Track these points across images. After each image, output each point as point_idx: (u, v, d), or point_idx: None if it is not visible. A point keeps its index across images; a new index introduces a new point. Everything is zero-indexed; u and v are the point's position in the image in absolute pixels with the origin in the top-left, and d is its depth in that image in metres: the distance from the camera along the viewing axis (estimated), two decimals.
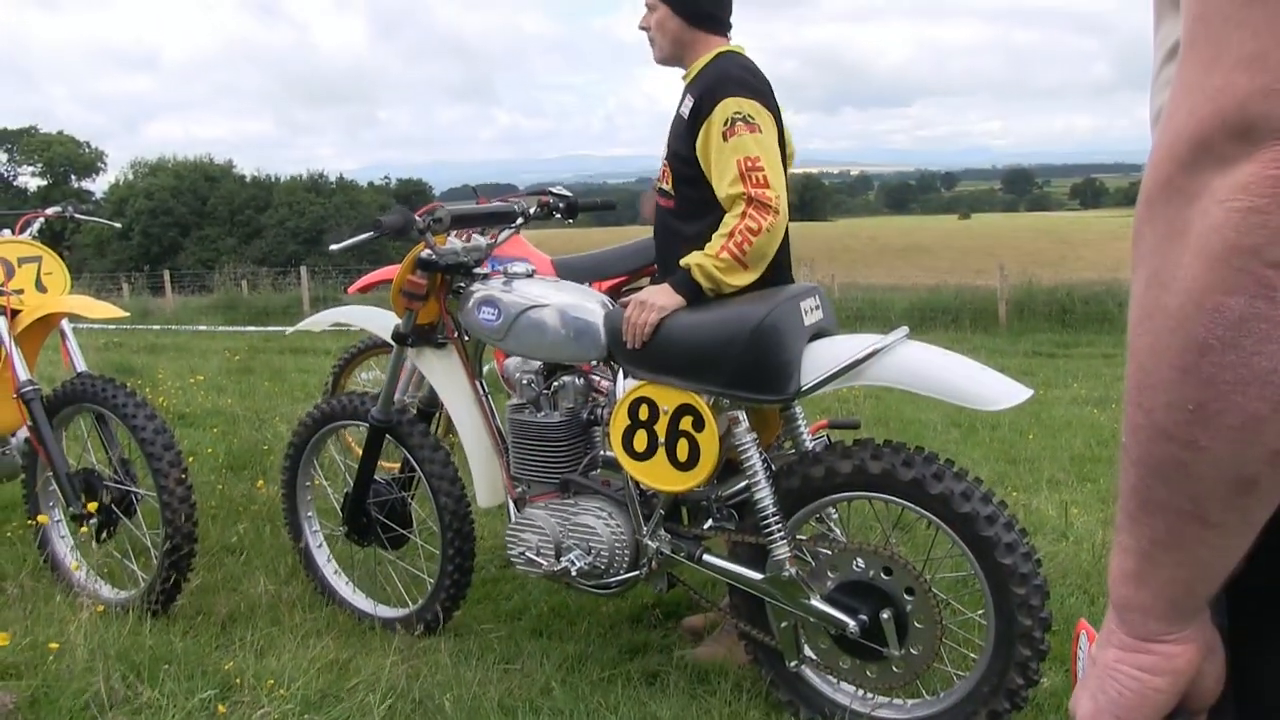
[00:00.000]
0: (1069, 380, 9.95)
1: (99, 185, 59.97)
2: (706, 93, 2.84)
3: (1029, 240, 59.48)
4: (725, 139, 2.77)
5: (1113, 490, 5.30)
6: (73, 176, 60.23)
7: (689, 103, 2.89)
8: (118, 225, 5.59)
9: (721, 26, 3.01)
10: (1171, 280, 0.63)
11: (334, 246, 3.17)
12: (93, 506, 3.37)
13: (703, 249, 2.80)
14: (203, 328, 16.95)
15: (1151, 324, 0.65)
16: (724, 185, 2.79)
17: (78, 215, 4.07)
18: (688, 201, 2.96)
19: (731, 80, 2.84)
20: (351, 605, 3.50)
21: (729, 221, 2.77)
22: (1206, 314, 0.61)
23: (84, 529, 3.36)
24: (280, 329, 16.35)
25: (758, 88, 2.86)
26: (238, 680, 2.80)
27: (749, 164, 2.74)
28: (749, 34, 3.27)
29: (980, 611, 2.57)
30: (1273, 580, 0.74)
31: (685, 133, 2.90)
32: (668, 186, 3.02)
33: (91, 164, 61.34)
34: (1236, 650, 0.77)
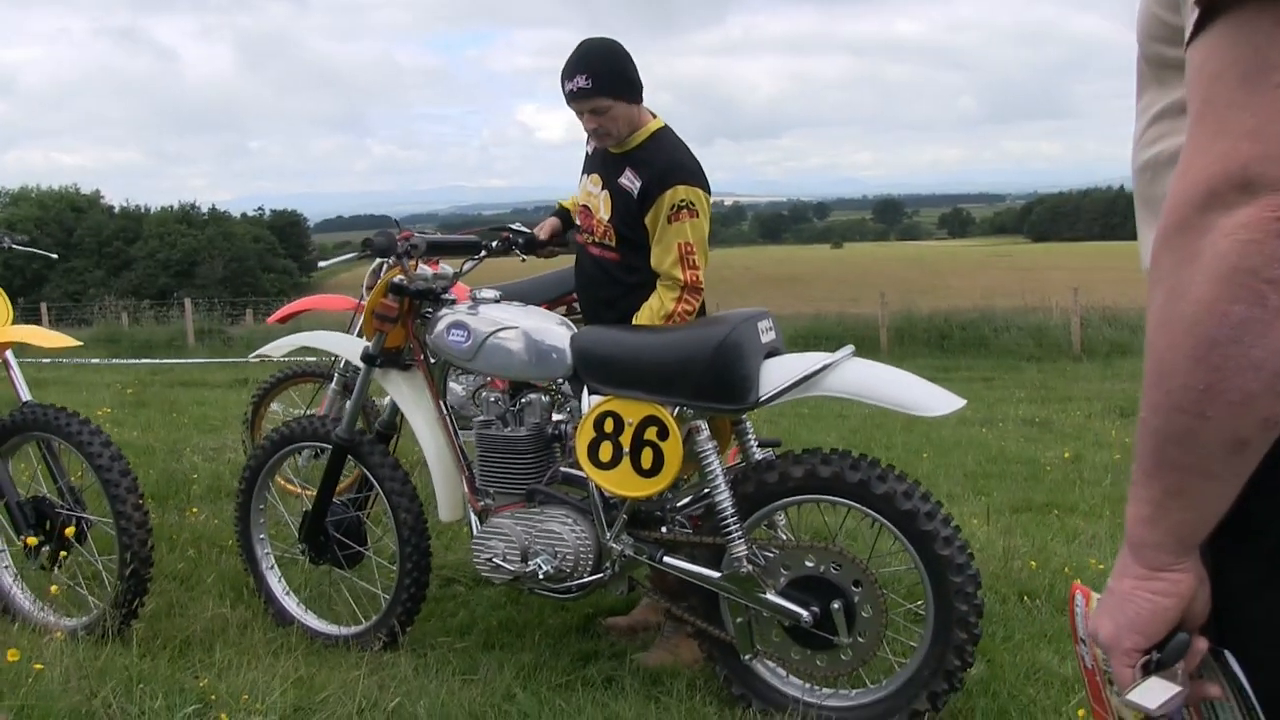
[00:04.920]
0: None
1: None
2: (656, 178, 3.26)
3: (901, 269, 61.40)
4: (670, 222, 3.25)
5: (1006, 502, 5.71)
6: None
7: (636, 183, 3.30)
8: (54, 256, 5.49)
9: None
10: (1186, 293, 0.86)
11: (322, 264, 3.44)
12: (70, 532, 3.39)
13: (640, 292, 3.32)
14: (93, 360, 16.40)
15: (1170, 327, 0.88)
16: (665, 262, 3.27)
17: (15, 246, 4.01)
18: (631, 256, 3.39)
19: (680, 168, 3.30)
20: (305, 625, 3.57)
21: (668, 304, 3.26)
22: (1215, 318, 0.84)
23: (42, 555, 3.36)
24: (166, 361, 16.02)
25: (697, 172, 3.33)
26: (214, 696, 2.87)
27: (686, 249, 3.25)
28: None
29: (919, 603, 2.82)
30: (1238, 521, 0.95)
31: (636, 210, 3.31)
32: (610, 242, 3.40)
33: None
34: (1216, 578, 0.99)
